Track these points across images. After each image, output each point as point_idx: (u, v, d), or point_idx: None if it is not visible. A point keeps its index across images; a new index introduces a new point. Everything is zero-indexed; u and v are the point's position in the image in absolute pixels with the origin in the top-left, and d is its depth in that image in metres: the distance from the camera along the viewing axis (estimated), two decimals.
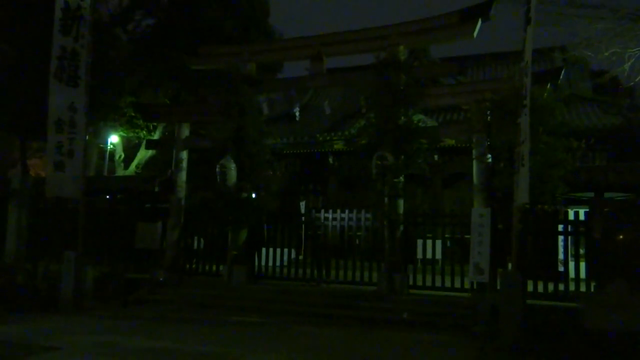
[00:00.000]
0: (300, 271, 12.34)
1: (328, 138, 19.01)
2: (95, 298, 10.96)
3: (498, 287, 10.00)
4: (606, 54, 10.95)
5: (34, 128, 12.97)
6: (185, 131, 12.95)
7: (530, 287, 9.66)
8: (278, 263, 12.87)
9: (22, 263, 11.50)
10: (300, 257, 13.47)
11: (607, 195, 10.54)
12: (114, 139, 18.49)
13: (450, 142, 16.04)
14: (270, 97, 12.88)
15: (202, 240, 13.18)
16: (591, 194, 10.43)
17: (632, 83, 12.19)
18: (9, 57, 13.21)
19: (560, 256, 10.34)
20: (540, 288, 9.83)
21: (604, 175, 10.81)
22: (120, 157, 18.77)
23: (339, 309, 10.20)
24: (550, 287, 9.75)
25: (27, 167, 13.94)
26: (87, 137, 11.05)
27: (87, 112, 10.48)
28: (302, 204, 18.99)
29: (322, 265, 12.26)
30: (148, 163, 18.92)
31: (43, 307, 10.19)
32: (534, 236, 9.42)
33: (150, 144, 15.64)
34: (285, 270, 12.51)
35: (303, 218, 14.20)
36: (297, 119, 15.61)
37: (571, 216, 10.29)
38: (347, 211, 12.33)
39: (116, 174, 18.39)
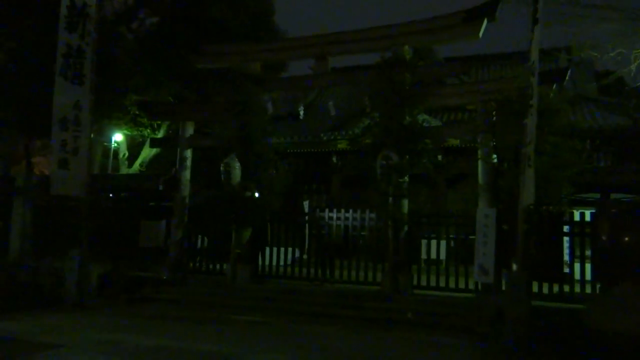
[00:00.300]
0: (305, 270, 12.32)
1: (332, 138, 18.99)
2: (99, 296, 10.97)
3: (503, 288, 10.02)
4: (612, 54, 10.91)
5: (39, 126, 13.00)
6: (190, 130, 12.94)
7: (535, 289, 9.63)
8: (282, 262, 12.86)
9: (26, 260, 11.52)
10: (305, 257, 13.46)
11: (612, 196, 10.49)
12: (118, 137, 18.51)
13: (454, 142, 16.04)
14: (274, 96, 12.89)
15: (205, 239, 13.17)
16: (597, 195, 10.38)
17: (638, 84, 12.16)
18: (15, 54, 13.23)
19: (565, 257, 10.29)
20: (545, 289, 9.80)
21: (610, 176, 10.76)
22: (124, 155, 18.79)
23: (344, 308, 10.17)
24: (556, 288, 9.71)
25: (31, 164, 13.96)
26: (92, 135, 11.03)
27: (92, 110, 10.49)
28: (306, 204, 19.02)
29: (327, 265, 12.25)
30: (152, 161, 18.95)
31: (47, 304, 10.19)
32: (539, 237, 9.37)
33: (154, 143, 15.65)
34: (289, 270, 12.49)
35: (307, 217, 14.19)
36: (302, 117, 15.54)
37: (577, 217, 10.24)
38: (351, 211, 12.31)
39: (120, 172, 18.41)
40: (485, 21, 10.23)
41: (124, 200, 13.34)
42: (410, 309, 9.75)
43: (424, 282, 10.94)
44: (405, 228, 10.66)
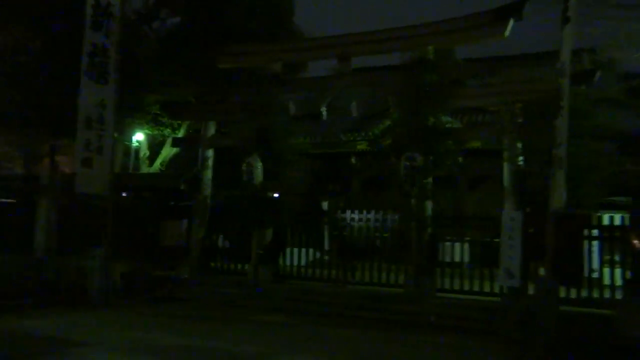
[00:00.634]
0: (325, 272, 12.25)
1: (352, 138, 18.90)
2: (122, 294, 11.05)
3: (529, 292, 9.87)
4: (637, 55, 10.70)
5: (63, 125, 13.11)
6: (212, 129, 12.96)
7: (562, 293, 9.45)
8: (301, 263, 12.83)
9: (51, 258, 11.62)
10: (325, 258, 13.41)
11: None
12: (139, 136, 18.63)
13: (476, 144, 15.82)
14: (295, 97, 12.83)
15: (226, 238, 13.19)
16: (626, 198, 10.18)
17: None
18: (39, 55, 13.37)
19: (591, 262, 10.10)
20: (572, 294, 9.61)
21: (638, 179, 10.55)
22: (145, 154, 18.89)
23: (366, 310, 10.11)
24: (584, 293, 9.52)
25: (56, 163, 14.10)
26: (115, 134, 11.12)
27: (116, 109, 10.55)
28: (324, 204, 18.96)
29: (348, 266, 12.18)
30: (171, 161, 19.03)
31: (71, 302, 10.27)
32: (568, 241, 9.20)
33: (176, 142, 15.73)
34: (310, 271, 12.43)
35: (326, 218, 14.13)
36: (324, 118, 15.48)
37: (605, 221, 10.03)
38: (373, 212, 12.21)
39: (141, 172, 18.52)
40: (512, 21, 10.09)
41: (146, 199, 13.41)
42: (434, 312, 9.64)
43: (447, 285, 10.81)
44: (429, 230, 10.55)
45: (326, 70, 14.56)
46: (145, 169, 18.76)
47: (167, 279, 12.01)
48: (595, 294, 9.43)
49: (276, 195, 12.03)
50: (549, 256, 7.65)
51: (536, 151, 8.90)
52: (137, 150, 19.31)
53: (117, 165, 17.67)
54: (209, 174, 12.86)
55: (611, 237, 9.44)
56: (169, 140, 18.45)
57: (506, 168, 10.03)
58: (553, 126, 7.70)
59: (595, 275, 9.58)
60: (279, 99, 11.86)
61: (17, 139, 18.39)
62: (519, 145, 9.49)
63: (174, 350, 7.13)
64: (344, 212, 13.21)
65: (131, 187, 13.48)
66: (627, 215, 9.56)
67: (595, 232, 9.58)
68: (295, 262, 12.61)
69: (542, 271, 9.31)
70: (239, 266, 12.81)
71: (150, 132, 18.30)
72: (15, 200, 14.74)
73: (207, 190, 12.77)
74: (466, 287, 10.68)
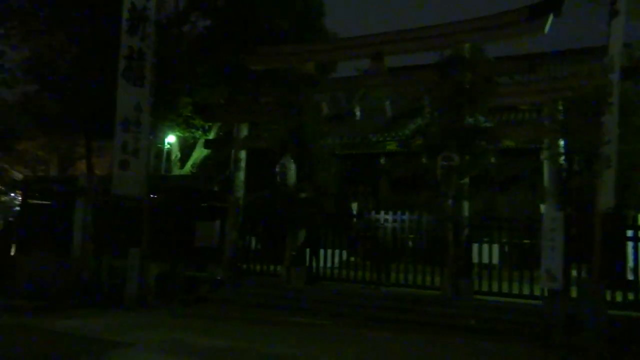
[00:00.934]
0: (360, 273, 12.13)
1: (381, 139, 18.73)
2: (157, 295, 11.10)
3: (571, 295, 9.57)
4: None
5: (98, 128, 13.35)
6: (244, 131, 12.97)
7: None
8: (332, 265, 12.74)
9: (87, 259, 11.79)
10: (352, 259, 13.28)
11: None
12: (170, 138, 18.84)
13: (509, 143, 15.50)
14: (325, 97, 12.74)
15: (259, 240, 13.18)
16: None
17: None
18: (77, 60, 13.62)
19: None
20: (617, 297, 9.29)
21: None
22: (176, 156, 19.11)
23: (403, 313, 9.94)
24: (630, 296, 9.19)
25: (92, 165, 14.34)
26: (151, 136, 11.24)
27: (151, 112, 10.67)
28: (354, 206, 18.82)
29: (382, 268, 12.03)
30: (202, 163, 19.19)
31: (108, 303, 10.40)
32: (615, 242, 8.90)
33: (209, 144, 15.84)
34: (344, 272, 12.32)
35: (355, 219, 14.01)
36: (358, 118, 15.37)
37: None
38: (407, 213, 12.03)
39: (172, 174, 18.73)
40: (551, 16, 9.83)
41: (179, 200, 13.50)
42: (473, 315, 9.44)
43: (484, 288, 10.58)
44: (466, 231, 10.34)
45: (355, 71, 14.53)
46: (176, 171, 18.97)
47: (201, 280, 12.06)
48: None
49: (305, 196, 11.93)
50: (596, 258, 7.38)
51: (580, 149, 8.61)
52: (169, 152, 19.53)
53: (150, 167, 17.89)
54: (241, 175, 12.87)
55: None
56: (200, 143, 18.61)
57: (546, 167, 9.77)
58: (599, 123, 7.44)
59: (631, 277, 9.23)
60: (313, 99, 11.79)
61: (52, 142, 18.85)
62: (561, 143, 9.20)
63: (213, 352, 7.12)
64: (374, 213, 13.08)
65: (165, 189, 13.57)
66: None
67: (629, 232, 9.23)
68: (330, 264, 12.52)
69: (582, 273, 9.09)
70: (272, 267, 12.79)
71: (181, 135, 18.50)
72: (51, 202, 15.05)
73: (240, 191, 12.78)
74: (505, 289, 10.45)
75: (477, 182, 10.35)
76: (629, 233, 9.38)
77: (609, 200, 7.29)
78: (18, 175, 20.19)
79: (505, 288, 10.43)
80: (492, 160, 10.27)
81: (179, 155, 19.16)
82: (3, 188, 18.93)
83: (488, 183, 10.49)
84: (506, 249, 11.09)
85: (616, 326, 7.86)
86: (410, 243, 12.59)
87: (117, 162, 10.61)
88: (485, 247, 11.10)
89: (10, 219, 19.10)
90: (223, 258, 12.54)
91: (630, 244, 9.44)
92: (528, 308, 9.60)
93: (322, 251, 12.66)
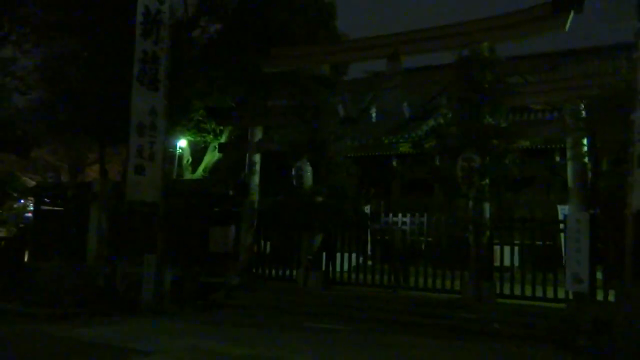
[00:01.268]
0: (377, 277, 11.94)
1: (394, 140, 18.55)
2: (172, 301, 10.96)
3: (597, 298, 9.36)
4: None
5: (112, 134, 13.25)
6: (259, 134, 12.85)
7: None
8: (346, 268, 12.58)
9: (102, 265, 11.68)
10: (369, 262, 13.09)
11: None
12: (182, 143, 18.73)
13: (525, 143, 15.29)
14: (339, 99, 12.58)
15: (274, 244, 13.03)
16: None
17: None
18: (90, 64, 13.55)
19: None
20: None
21: None
22: (188, 161, 18.99)
23: (424, 317, 9.75)
24: None
25: (106, 171, 14.24)
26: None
27: (166, 116, 10.57)
28: (367, 208, 18.62)
29: (399, 272, 11.85)
30: (214, 167, 19.04)
31: (123, 309, 10.26)
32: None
33: (222, 148, 15.72)
34: (361, 276, 12.14)
35: (369, 222, 13.83)
36: (374, 120, 15.19)
37: None
38: (425, 215, 11.85)
39: (184, 178, 18.60)
40: (572, 13, 9.64)
41: (194, 205, 13.38)
42: (496, 319, 9.23)
43: (506, 291, 10.37)
44: (488, 233, 10.14)
45: (364, 73, 14.32)
46: (188, 176, 18.84)
47: (216, 285, 11.91)
48: None
49: (321, 199, 11.77)
50: (629, 260, 7.15)
51: (608, 148, 8.39)
52: (180, 156, 19.42)
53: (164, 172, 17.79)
54: (256, 179, 12.74)
55: None
56: (212, 147, 18.48)
57: (570, 167, 9.54)
58: (629, 121, 7.22)
59: None
60: (329, 102, 11.64)
61: (64, 148, 18.80)
62: (589, 142, 8.98)
63: (234, 359, 6.95)
64: (388, 215, 12.91)
65: (178, 194, 13.45)
66: None
67: None
68: (346, 268, 12.37)
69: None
70: (287, 272, 12.64)
71: (193, 139, 18.38)
72: (64, 208, 14.96)
73: (255, 195, 12.65)
74: (527, 293, 10.25)
75: (497, 183, 10.16)
76: None
77: None
78: (30, 182, 20.15)
79: (534, 291, 10.23)
80: (514, 160, 10.09)
81: (190, 160, 19.04)
82: (15, 194, 18.87)
83: (509, 184, 10.29)
84: (527, 250, 10.89)
85: None
86: (427, 246, 12.41)
87: (132, 167, 10.52)
88: (507, 249, 10.91)
89: (21, 225, 19.07)
90: (238, 263, 12.40)
91: None
92: (552, 311, 9.39)
93: (338, 255, 12.51)
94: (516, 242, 10.77)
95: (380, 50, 11.38)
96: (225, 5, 17.63)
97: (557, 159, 16.24)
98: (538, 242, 10.78)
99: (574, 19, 9.83)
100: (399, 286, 11.64)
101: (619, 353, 7.02)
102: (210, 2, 18.58)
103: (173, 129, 16.69)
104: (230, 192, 12.47)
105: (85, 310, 10.14)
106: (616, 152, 8.02)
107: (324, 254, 12.02)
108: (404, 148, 18.81)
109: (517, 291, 10.30)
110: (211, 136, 18.24)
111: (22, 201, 21.56)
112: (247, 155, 12.83)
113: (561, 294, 9.85)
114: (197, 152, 19.64)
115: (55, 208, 15.04)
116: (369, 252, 13.34)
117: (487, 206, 10.16)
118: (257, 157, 12.78)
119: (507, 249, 10.97)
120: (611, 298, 9.13)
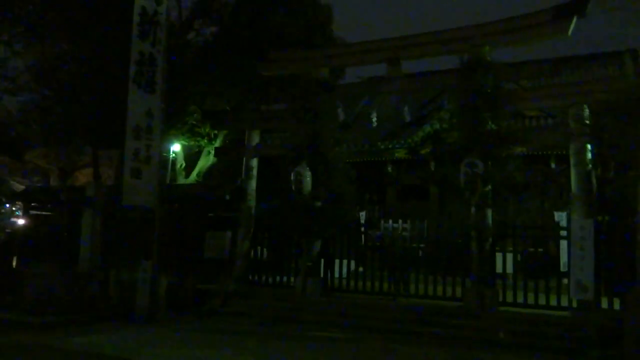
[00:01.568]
0: (377, 284, 11.73)
1: (390, 146, 18.41)
2: (167, 308, 10.69)
3: (601, 306, 9.25)
4: None
5: (105, 137, 12.97)
6: (256, 138, 12.61)
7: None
8: (345, 275, 12.36)
9: (95, 272, 11.36)
10: (366, 270, 12.90)
11: None
12: (175, 147, 18.47)
13: (521, 149, 15.24)
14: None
15: (272, 250, 12.78)
16: None
17: None
18: (82, 64, 13.28)
19: None
20: None
21: None
22: (181, 165, 18.73)
23: (426, 325, 9.55)
24: None
25: (100, 175, 13.93)
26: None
27: (163, 119, 10.33)
28: (362, 215, 18.44)
29: (399, 279, 11.66)
30: (208, 172, 18.80)
31: (117, 316, 10.00)
32: None
33: (218, 152, 15.48)
34: (359, 283, 11.93)
35: (369, 228, 13.65)
36: (374, 125, 15.01)
37: None
38: (426, 221, 11.68)
39: (177, 183, 18.33)
40: (575, 18, 9.57)
41: (189, 210, 13.11)
42: (500, 328, 9.05)
43: (509, 299, 10.21)
44: (490, 240, 9.99)
45: (357, 78, 14.18)
46: (181, 180, 18.58)
47: (212, 292, 11.63)
48: None
49: (320, 205, 11.58)
50: (638, 267, 7.04)
51: (614, 154, 8.31)
52: (174, 161, 19.15)
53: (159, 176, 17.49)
54: (253, 184, 12.50)
55: None
56: (206, 151, 18.26)
57: (574, 173, 9.42)
58: (638, 127, 7.14)
59: None
60: (328, 105, 11.46)
61: (55, 151, 18.44)
62: (595, 147, 8.88)
63: None
64: (387, 221, 12.72)
65: (172, 198, 13.19)
66: None
67: None
68: (344, 275, 12.15)
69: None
70: (285, 279, 12.40)
71: (186, 143, 18.14)
72: (54, 213, 14.61)
73: (252, 200, 12.41)
74: (530, 301, 10.10)
75: (500, 189, 10.04)
76: None
77: None
78: (18, 186, 19.71)
79: (530, 299, 10.10)
80: (518, 166, 9.98)
81: (184, 164, 18.79)
82: (3, 199, 18.47)
83: (511, 190, 10.17)
84: (529, 257, 10.77)
85: None
86: (427, 252, 12.23)
87: (128, 170, 10.25)
88: (509, 255, 10.78)
89: (8, 230, 18.63)
90: (234, 269, 12.14)
91: None
92: (557, 320, 9.25)
93: (337, 262, 12.31)
94: (519, 248, 10.65)
95: (380, 53, 11.23)
96: (220, 8, 17.46)
97: (553, 165, 16.19)
98: (540, 249, 10.68)
99: (576, 23, 9.77)
100: (398, 294, 11.45)
101: None
102: (204, 5, 18.43)
103: (167, 133, 16.46)
104: (227, 197, 12.19)
105: (79, 317, 9.84)
106: (623, 159, 7.93)
107: (322, 260, 11.81)
108: (400, 154, 18.66)
109: (520, 298, 10.16)
110: (205, 140, 18.03)
111: (7, 205, 21.12)
112: (244, 159, 12.59)
113: (564, 302, 9.73)
114: (190, 156, 19.40)
115: (45, 212, 14.69)
116: (369, 259, 13.14)
117: (489, 212, 10.03)
118: (255, 162, 12.54)
119: (509, 255, 10.85)
120: (616, 306, 9.07)
